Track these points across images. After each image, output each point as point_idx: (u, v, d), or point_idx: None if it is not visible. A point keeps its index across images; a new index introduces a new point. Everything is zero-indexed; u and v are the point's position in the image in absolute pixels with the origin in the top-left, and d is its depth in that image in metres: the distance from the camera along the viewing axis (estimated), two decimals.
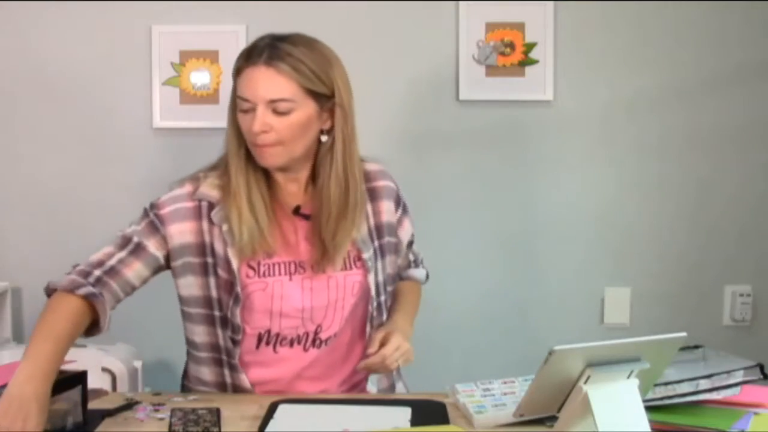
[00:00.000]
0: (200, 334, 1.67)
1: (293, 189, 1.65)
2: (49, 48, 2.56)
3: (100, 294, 1.52)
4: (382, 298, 1.72)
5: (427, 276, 1.93)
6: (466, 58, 2.56)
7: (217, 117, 2.50)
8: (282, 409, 1.50)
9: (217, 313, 1.63)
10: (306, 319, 1.64)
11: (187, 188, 1.64)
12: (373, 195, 1.71)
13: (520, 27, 2.56)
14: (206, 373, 1.69)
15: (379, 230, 1.71)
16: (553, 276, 2.62)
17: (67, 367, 1.46)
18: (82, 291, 1.50)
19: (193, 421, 1.43)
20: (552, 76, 2.56)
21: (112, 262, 1.58)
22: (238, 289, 1.59)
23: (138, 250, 1.60)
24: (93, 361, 2.18)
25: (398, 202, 1.78)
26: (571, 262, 2.62)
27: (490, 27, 2.56)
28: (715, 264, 2.63)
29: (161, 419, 1.48)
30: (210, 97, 2.56)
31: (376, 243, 1.70)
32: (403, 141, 2.59)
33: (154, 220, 1.62)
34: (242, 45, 2.51)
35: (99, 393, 1.63)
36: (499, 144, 2.60)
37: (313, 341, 1.66)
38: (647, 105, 2.59)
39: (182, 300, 1.68)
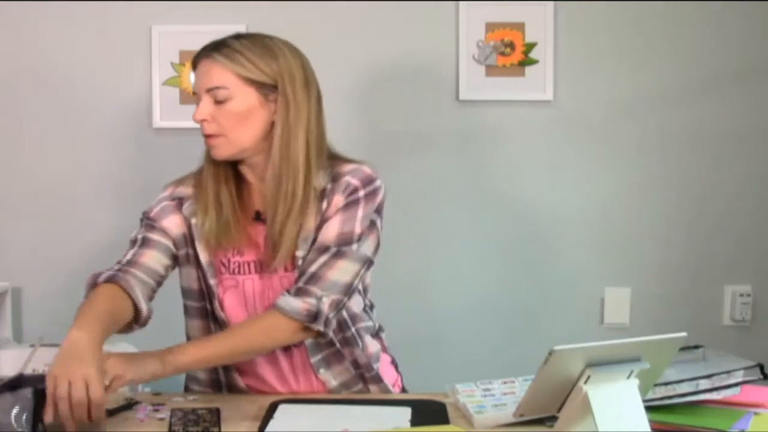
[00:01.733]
0: (196, 329, 1.71)
1: (262, 187, 1.66)
2: (49, 48, 2.56)
3: (124, 277, 1.56)
4: None
5: (323, 320, 1.56)
6: (466, 58, 2.55)
7: None
8: (282, 409, 1.50)
9: (209, 306, 1.68)
10: None
11: (169, 190, 1.73)
12: (333, 191, 1.64)
13: (520, 27, 2.55)
14: (201, 371, 1.72)
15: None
16: (553, 276, 2.62)
17: None
18: (104, 277, 1.56)
19: (193, 421, 1.43)
20: (552, 76, 2.56)
21: (128, 257, 1.65)
22: (211, 281, 1.64)
23: (146, 242, 1.66)
24: None
25: (349, 195, 1.62)
26: (571, 262, 2.62)
27: (490, 27, 2.56)
28: (715, 264, 2.63)
29: (161, 419, 1.49)
30: None
31: None
32: (403, 141, 2.59)
33: (148, 222, 1.69)
34: None
35: None
36: (499, 144, 2.60)
37: None
38: (647, 105, 2.59)
39: (182, 292, 1.73)
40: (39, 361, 1.82)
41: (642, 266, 2.63)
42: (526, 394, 1.28)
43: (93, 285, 1.55)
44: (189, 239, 1.67)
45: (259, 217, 1.67)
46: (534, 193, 2.61)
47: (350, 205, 1.62)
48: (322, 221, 1.63)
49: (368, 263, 1.65)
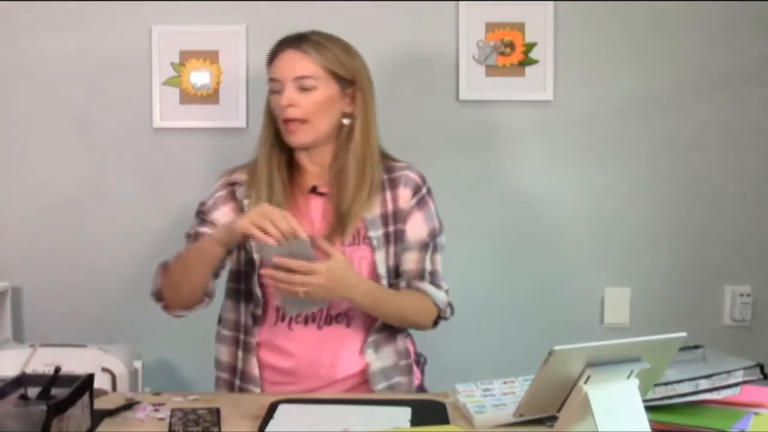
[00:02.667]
0: (228, 309, 1.82)
1: (316, 170, 1.80)
2: (49, 48, 2.56)
3: None
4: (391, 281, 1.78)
5: (451, 308, 1.86)
6: (466, 58, 2.55)
7: (218, 117, 2.52)
8: (282, 409, 1.51)
9: (242, 286, 1.77)
10: None
11: (222, 179, 1.86)
12: (393, 183, 1.82)
13: (520, 27, 2.55)
14: (224, 353, 1.81)
15: (395, 216, 1.80)
16: (553, 276, 2.62)
17: (69, 369, 1.47)
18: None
19: (193, 421, 1.43)
20: (552, 76, 2.56)
21: (182, 250, 1.75)
22: (255, 256, 1.73)
23: (197, 235, 1.77)
24: (93, 361, 2.18)
25: (416, 192, 1.83)
26: (571, 262, 2.62)
27: (490, 27, 2.56)
28: (715, 264, 2.63)
29: (161, 419, 1.49)
30: (210, 97, 2.55)
31: (391, 228, 1.79)
32: (403, 141, 2.57)
33: (200, 216, 1.80)
34: (242, 45, 2.53)
35: (99, 393, 1.63)
36: (499, 144, 2.60)
37: (326, 318, 1.75)
38: (647, 105, 2.58)
39: (228, 275, 1.83)
40: (39, 361, 1.82)
41: (642, 266, 2.63)
42: (526, 394, 1.28)
43: (165, 265, 1.74)
44: None
45: (314, 190, 1.78)
46: (534, 193, 2.61)
47: (421, 202, 1.84)
48: (396, 211, 1.79)
49: None
